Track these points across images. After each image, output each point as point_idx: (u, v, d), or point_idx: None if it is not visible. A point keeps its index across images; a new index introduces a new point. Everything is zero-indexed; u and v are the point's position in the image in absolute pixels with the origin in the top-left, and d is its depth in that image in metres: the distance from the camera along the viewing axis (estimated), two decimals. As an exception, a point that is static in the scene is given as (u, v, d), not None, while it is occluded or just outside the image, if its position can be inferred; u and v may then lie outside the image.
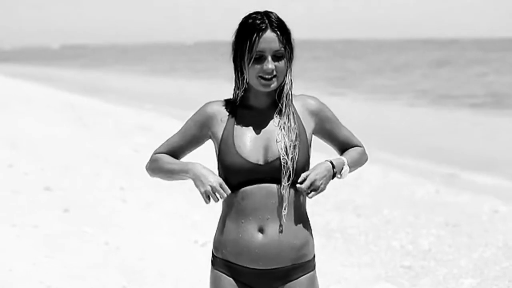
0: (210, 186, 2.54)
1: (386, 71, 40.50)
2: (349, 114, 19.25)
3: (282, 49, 2.53)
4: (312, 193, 2.56)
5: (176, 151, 2.72)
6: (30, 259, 5.99)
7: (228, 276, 2.62)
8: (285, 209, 2.55)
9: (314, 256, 2.68)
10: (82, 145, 12.75)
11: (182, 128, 2.71)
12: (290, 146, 2.53)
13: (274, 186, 2.55)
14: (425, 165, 11.69)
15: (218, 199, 2.56)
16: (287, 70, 2.57)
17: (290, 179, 2.54)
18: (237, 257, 2.59)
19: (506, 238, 6.88)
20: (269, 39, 2.51)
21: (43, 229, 6.95)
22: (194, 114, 2.69)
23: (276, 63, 2.53)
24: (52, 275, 5.61)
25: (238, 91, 2.62)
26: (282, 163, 2.52)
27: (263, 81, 2.53)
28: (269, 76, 2.53)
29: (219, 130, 2.60)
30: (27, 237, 6.69)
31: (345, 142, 2.76)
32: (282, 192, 2.54)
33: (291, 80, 2.60)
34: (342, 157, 2.70)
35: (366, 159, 2.82)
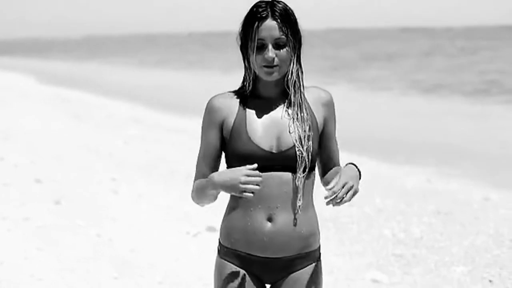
0: (241, 184, 2.44)
1: (379, 60, 40.50)
2: (341, 104, 19.25)
3: (283, 37, 2.50)
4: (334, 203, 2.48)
5: (211, 165, 2.63)
6: (21, 252, 5.98)
7: (236, 265, 2.60)
8: (299, 200, 2.53)
9: (319, 247, 2.66)
10: (74, 138, 12.73)
11: (202, 138, 2.63)
12: (304, 137, 2.52)
13: (287, 174, 2.53)
14: (416, 154, 11.70)
15: (259, 185, 2.45)
16: (291, 59, 2.55)
17: (306, 169, 2.53)
18: (246, 245, 2.57)
19: (497, 226, 6.89)
20: (270, 27, 2.49)
21: (35, 222, 6.94)
22: (204, 117, 2.62)
23: (278, 51, 2.51)
24: (44, 268, 5.61)
25: (247, 81, 2.60)
26: (297, 154, 2.51)
27: (265, 69, 2.52)
28: (271, 65, 2.51)
29: (231, 120, 2.57)
30: (18, 230, 6.68)
31: (331, 155, 2.72)
32: (297, 183, 2.52)
33: (297, 70, 2.57)
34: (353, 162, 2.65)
35: None
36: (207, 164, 2.62)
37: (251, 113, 2.57)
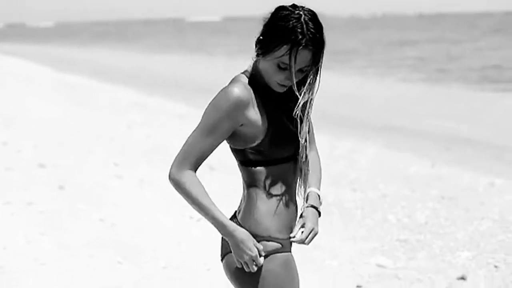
0: (250, 256, 2.46)
1: (379, 47, 40.38)
2: (340, 89, 19.19)
3: (309, 66, 2.42)
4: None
5: (208, 154, 2.52)
6: (24, 236, 5.97)
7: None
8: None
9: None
10: (76, 123, 12.70)
11: (212, 124, 2.46)
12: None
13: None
14: (420, 140, 11.66)
15: (254, 269, 2.48)
16: (308, 80, 2.45)
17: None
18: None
19: (502, 211, 6.86)
20: (303, 57, 2.38)
21: (38, 206, 6.92)
22: (223, 107, 2.43)
23: (298, 74, 2.43)
24: (47, 252, 5.59)
25: (257, 76, 2.49)
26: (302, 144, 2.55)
27: (279, 87, 2.45)
28: (287, 85, 2.44)
29: (259, 115, 2.49)
30: (21, 214, 6.67)
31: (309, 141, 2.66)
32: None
33: (311, 90, 2.47)
34: (316, 192, 2.64)
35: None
36: (208, 152, 2.49)
37: (269, 104, 2.51)
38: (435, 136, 12.02)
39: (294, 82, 2.42)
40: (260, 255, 2.47)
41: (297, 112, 2.47)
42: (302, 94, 2.45)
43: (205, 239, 5.97)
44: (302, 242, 2.52)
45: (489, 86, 19.85)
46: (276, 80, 2.44)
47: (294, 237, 2.52)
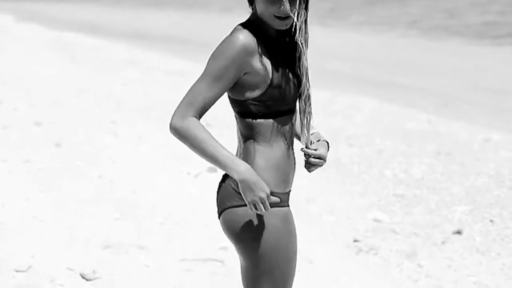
0: (260, 197, 2.37)
1: (377, 3, 40.03)
2: (337, 45, 19.10)
3: None
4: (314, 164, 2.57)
5: (213, 103, 2.45)
6: (23, 194, 5.99)
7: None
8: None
9: None
10: (72, 81, 12.65)
11: (217, 72, 2.40)
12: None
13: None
14: (417, 95, 11.65)
15: (264, 211, 2.39)
16: (301, 9, 2.42)
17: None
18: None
19: (498, 167, 6.89)
20: None
21: (35, 164, 6.93)
22: (230, 54, 2.40)
23: (291, 2, 2.39)
24: (45, 209, 5.62)
25: (258, 22, 2.47)
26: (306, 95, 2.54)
27: (278, 21, 2.41)
28: (285, 16, 2.40)
29: (264, 63, 2.45)
30: (19, 172, 6.68)
31: None
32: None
33: (306, 20, 2.46)
34: (318, 131, 2.69)
35: None
36: (212, 102, 2.42)
37: (272, 53, 2.47)
38: (432, 91, 12.01)
39: (287, 1, 2.37)
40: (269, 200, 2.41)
41: (300, 38, 2.44)
42: (297, 15, 2.41)
43: (203, 195, 6.00)
44: (310, 161, 2.55)
45: (487, 41, 19.76)
46: (272, 13, 2.39)
47: (307, 149, 2.54)
